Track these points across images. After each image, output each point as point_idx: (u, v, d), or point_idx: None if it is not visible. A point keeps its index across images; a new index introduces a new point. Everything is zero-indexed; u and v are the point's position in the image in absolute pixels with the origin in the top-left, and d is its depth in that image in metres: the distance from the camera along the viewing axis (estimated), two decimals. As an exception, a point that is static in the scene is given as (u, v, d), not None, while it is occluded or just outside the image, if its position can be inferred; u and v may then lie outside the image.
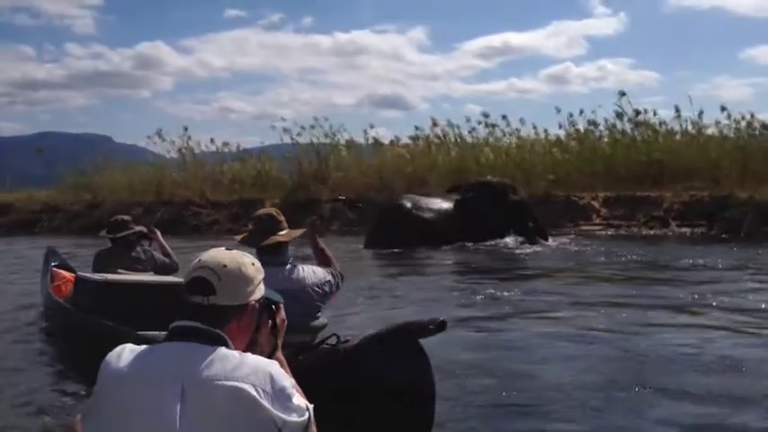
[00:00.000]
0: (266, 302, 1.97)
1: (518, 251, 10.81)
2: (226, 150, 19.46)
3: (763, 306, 6.17)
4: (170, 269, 5.81)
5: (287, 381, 1.78)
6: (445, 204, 12.06)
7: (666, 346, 4.88)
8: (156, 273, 5.65)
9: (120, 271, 5.43)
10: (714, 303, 6.31)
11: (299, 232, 3.87)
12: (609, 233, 12.73)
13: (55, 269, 6.38)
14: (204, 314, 1.82)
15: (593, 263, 9.30)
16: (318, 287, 3.76)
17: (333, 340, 3.40)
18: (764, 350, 4.77)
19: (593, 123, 16.66)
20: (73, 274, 6.07)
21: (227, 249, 1.93)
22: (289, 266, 3.68)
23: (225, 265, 1.85)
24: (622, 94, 16.62)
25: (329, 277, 3.83)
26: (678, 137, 16.11)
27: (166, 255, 5.94)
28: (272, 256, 3.60)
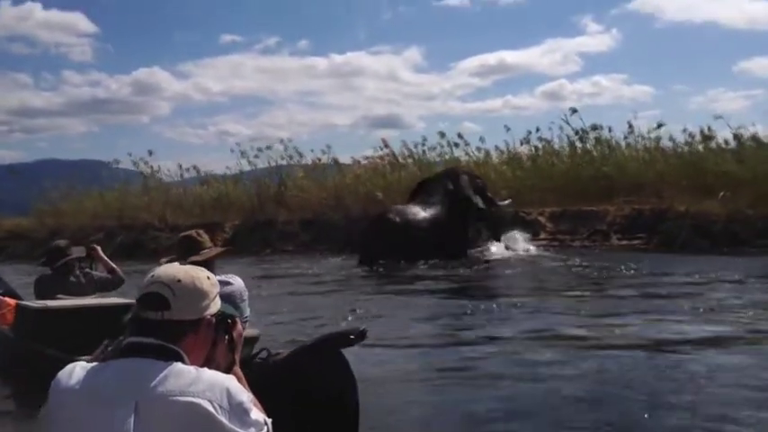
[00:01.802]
0: (222, 317, 1.92)
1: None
2: (193, 175, 19.77)
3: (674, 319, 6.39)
4: (114, 284, 5.88)
5: (244, 395, 1.75)
6: (428, 213, 12.17)
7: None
8: (101, 291, 5.71)
9: (59, 296, 5.43)
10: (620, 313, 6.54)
11: (217, 251, 4.07)
12: (552, 247, 12.96)
13: (0, 297, 6.17)
14: (159, 329, 1.77)
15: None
16: (244, 298, 3.93)
17: (264, 354, 3.50)
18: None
19: (546, 141, 17.01)
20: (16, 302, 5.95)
21: (180, 264, 1.95)
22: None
23: (179, 280, 1.82)
24: (574, 111, 17.00)
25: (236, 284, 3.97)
26: (628, 152, 16.41)
27: (111, 270, 5.96)
28: None
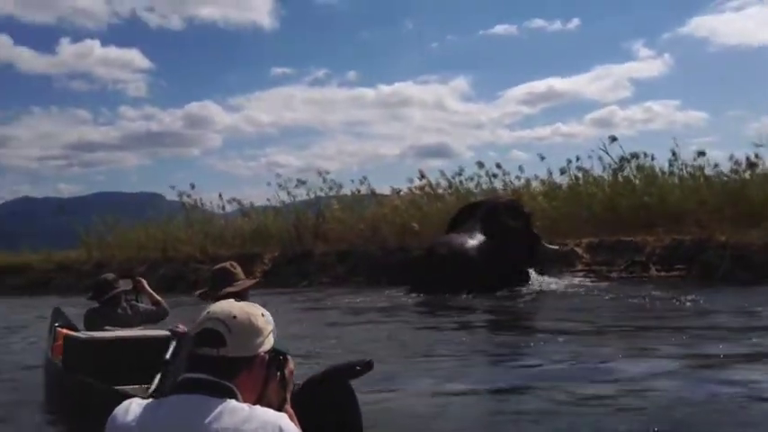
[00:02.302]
0: (275, 354, 1.93)
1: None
2: (236, 207, 20.14)
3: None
4: (159, 316, 6.02)
5: None
6: (475, 242, 12.21)
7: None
8: (146, 323, 5.85)
9: (107, 328, 5.59)
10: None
11: (250, 282, 4.21)
12: (589, 279, 12.77)
13: (59, 329, 6.32)
14: (214, 366, 1.78)
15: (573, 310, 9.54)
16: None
17: None
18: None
19: (584, 170, 16.84)
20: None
21: (236, 301, 1.93)
22: None
23: (235, 317, 1.83)
24: (613, 139, 16.80)
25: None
26: (670, 180, 16.12)
27: (155, 303, 6.09)
28: None
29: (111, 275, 6.26)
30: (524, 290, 11.95)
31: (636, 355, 6.32)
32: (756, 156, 15.14)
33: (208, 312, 1.85)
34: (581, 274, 13.26)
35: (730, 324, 7.86)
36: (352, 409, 3.33)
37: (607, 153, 16.55)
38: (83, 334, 5.57)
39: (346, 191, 18.81)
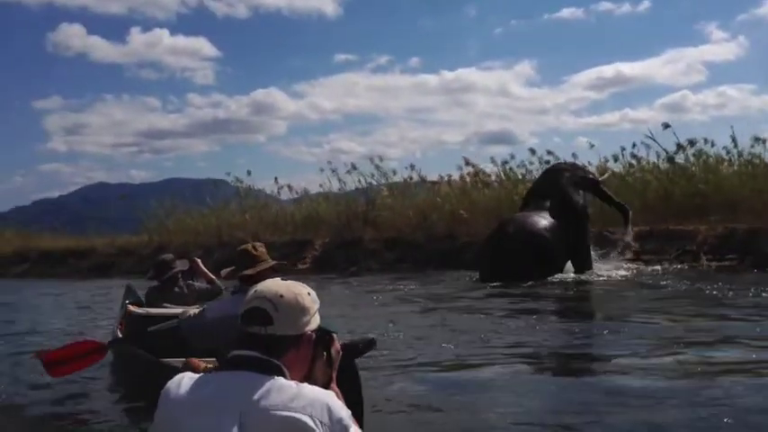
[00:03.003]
0: (321, 333, 1.95)
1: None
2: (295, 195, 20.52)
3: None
4: (213, 294, 6.33)
5: (344, 412, 1.78)
6: (548, 221, 11.99)
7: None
8: (201, 300, 6.12)
9: (165, 305, 6.00)
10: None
11: (267, 265, 4.32)
12: (636, 267, 12.55)
13: (129, 305, 6.62)
14: (262, 344, 1.81)
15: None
16: None
17: None
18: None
19: (636, 158, 16.52)
20: None
21: (282, 280, 1.96)
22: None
23: (282, 296, 1.86)
24: (666, 126, 16.41)
25: None
26: (727, 168, 15.66)
27: (210, 281, 6.45)
28: (252, 285, 4.16)
29: (169, 256, 6.70)
30: (583, 277, 11.86)
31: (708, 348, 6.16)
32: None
33: (255, 291, 1.89)
34: (632, 262, 13.03)
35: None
36: (355, 388, 3.39)
37: (654, 140, 16.21)
38: (141, 310, 5.95)
39: (398, 178, 18.98)
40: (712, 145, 16.13)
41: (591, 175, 13.45)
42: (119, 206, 25.78)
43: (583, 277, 11.79)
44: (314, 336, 1.90)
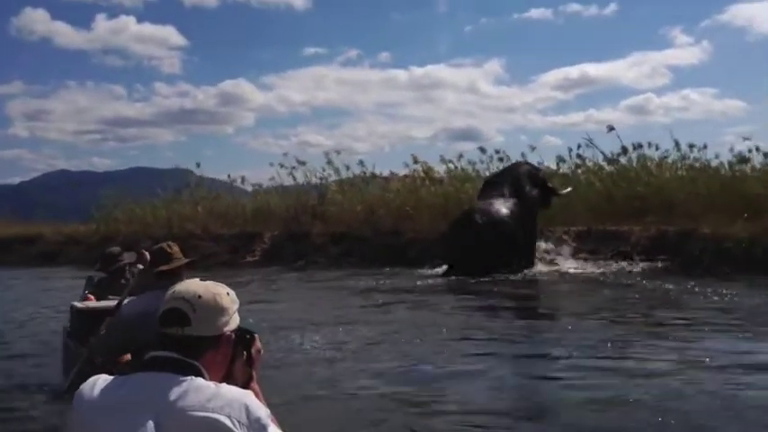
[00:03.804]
0: (241, 333, 1.94)
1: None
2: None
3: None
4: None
5: (262, 411, 1.76)
6: (508, 209, 12.59)
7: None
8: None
9: (109, 297, 5.91)
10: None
11: (183, 261, 4.49)
12: (576, 267, 12.92)
13: (88, 295, 6.59)
14: (179, 345, 1.80)
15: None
16: None
17: None
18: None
19: (582, 158, 16.93)
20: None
21: (201, 280, 1.94)
22: None
23: (200, 296, 1.85)
24: (611, 128, 16.84)
25: None
26: (668, 172, 16.12)
27: None
28: (168, 281, 4.15)
29: (116, 249, 6.76)
30: (526, 273, 12.25)
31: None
32: (757, 149, 15.22)
33: (173, 291, 1.88)
34: (571, 261, 13.37)
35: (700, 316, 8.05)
36: None
37: (592, 144, 16.67)
38: (81, 303, 5.92)
39: (349, 173, 19.11)
40: (657, 149, 16.66)
41: (550, 185, 13.94)
42: (79, 194, 25.47)
43: (522, 274, 12.13)
44: (233, 336, 1.91)
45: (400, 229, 15.60)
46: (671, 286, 10.22)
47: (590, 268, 12.58)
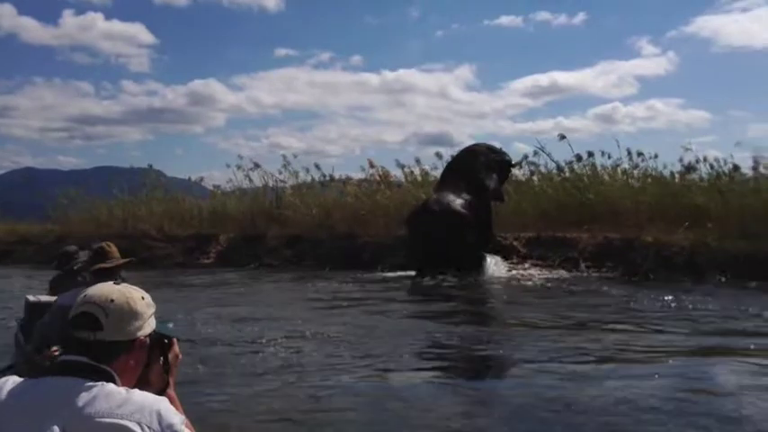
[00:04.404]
0: (158, 337, 1.91)
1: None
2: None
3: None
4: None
5: (176, 418, 1.73)
6: (463, 200, 12.99)
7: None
8: None
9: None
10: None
11: (122, 261, 4.84)
12: (524, 273, 13.20)
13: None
14: (91, 350, 1.76)
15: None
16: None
17: None
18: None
19: (534, 165, 17.29)
20: None
21: (115, 283, 1.91)
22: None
23: (112, 300, 1.81)
24: (562, 137, 17.23)
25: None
26: (617, 180, 16.54)
27: None
28: (104, 278, 4.41)
29: (72, 247, 6.84)
30: (473, 278, 12.47)
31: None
32: (705, 160, 15.73)
33: (85, 295, 1.84)
34: (520, 267, 13.66)
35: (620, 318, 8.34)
36: None
37: (543, 151, 17.05)
38: (33, 297, 5.89)
39: (307, 177, 19.19)
40: (609, 157, 17.06)
41: (507, 157, 14.65)
42: (46, 192, 25.03)
43: (474, 279, 12.40)
44: (148, 341, 1.88)
45: (355, 232, 15.75)
46: (614, 292, 10.57)
47: (537, 274, 12.89)
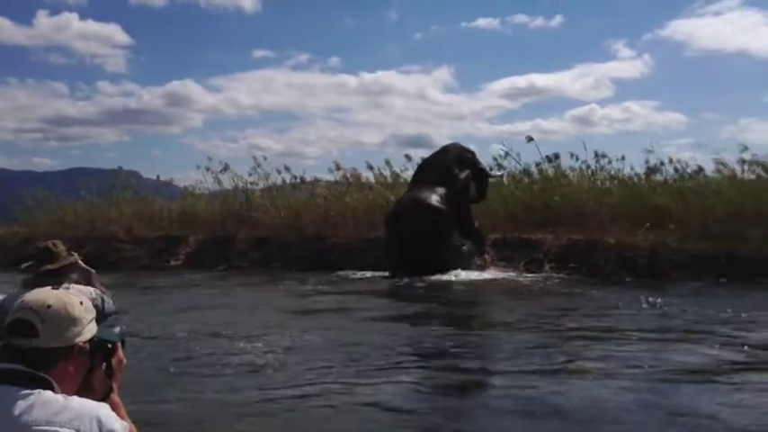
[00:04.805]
0: (100, 343, 1.87)
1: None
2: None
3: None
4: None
5: (117, 424, 1.70)
6: (438, 195, 13.18)
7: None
8: None
9: None
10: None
11: (68, 261, 4.70)
12: (490, 275, 13.32)
13: None
14: (27, 357, 1.72)
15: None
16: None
17: None
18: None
19: (501, 167, 17.46)
20: None
21: (53, 288, 1.88)
22: (64, 285, 4.55)
23: (49, 306, 1.77)
24: (530, 139, 17.42)
25: (94, 295, 4.59)
26: (584, 182, 16.77)
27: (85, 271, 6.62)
28: (52, 279, 4.35)
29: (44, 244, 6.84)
30: (443, 278, 12.60)
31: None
32: (669, 161, 16.04)
33: (21, 301, 1.81)
34: (485, 270, 13.78)
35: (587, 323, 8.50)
36: None
37: (509, 154, 17.28)
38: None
39: (276, 179, 19.18)
40: (577, 159, 17.29)
41: (481, 166, 14.81)
42: (20, 194, 24.74)
43: (445, 278, 12.54)
44: (88, 347, 1.83)
45: (324, 234, 15.80)
46: (576, 291, 10.76)
47: (502, 275, 13.02)
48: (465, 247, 13.50)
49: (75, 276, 6.64)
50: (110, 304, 4.75)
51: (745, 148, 15.04)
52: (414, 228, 12.64)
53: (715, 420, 4.64)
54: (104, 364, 1.89)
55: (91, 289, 4.66)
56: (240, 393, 5.40)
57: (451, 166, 13.89)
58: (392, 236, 13.25)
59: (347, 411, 4.98)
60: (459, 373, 6.11)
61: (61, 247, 4.78)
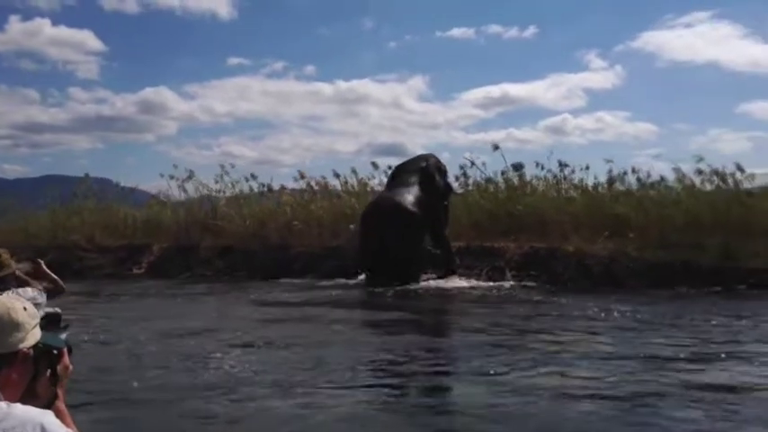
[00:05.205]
0: (45, 348, 1.83)
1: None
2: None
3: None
4: (56, 293, 6.45)
5: (61, 431, 1.67)
6: (414, 196, 13.35)
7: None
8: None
9: None
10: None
11: (10, 271, 4.80)
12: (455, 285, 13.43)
13: None
14: None
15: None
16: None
17: None
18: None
19: (465, 176, 17.66)
20: None
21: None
22: (10, 291, 4.51)
23: None
24: (496, 147, 17.64)
25: (35, 294, 4.73)
26: (546, 192, 17.01)
27: (53, 281, 6.54)
28: None
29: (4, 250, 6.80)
30: (410, 286, 12.70)
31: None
32: (633, 171, 16.36)
33: None
34: (449, 278, 13.89)
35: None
36: None
37: (474, 164, 17.50)
38: None
39: (244, 187, 19.15)
40: (542, 168, 17.54)
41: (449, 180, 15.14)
42: None
43: (412, 286, 12.62)
44: (31, 353, 1.79)
45: (288, 242, 15.81)
46: (535, 299, 10.89)
47: (464, 283, 13.14)
48: (434, 252, 13.64)
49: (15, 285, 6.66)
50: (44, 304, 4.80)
51: (701, 159, 15.36)
52: (386, 226, 12.70)
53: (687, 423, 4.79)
54: (49, 370, 1.84)
55: (29, 289, 4.74)
56: (207, 403, 5.38)
57: (434, 172, 14.11)
58: (365, 234, 13.27)
59: (314, 421, 4.98)
60: (424, 379, 6.22)
61: (6, 257, 4.85)
